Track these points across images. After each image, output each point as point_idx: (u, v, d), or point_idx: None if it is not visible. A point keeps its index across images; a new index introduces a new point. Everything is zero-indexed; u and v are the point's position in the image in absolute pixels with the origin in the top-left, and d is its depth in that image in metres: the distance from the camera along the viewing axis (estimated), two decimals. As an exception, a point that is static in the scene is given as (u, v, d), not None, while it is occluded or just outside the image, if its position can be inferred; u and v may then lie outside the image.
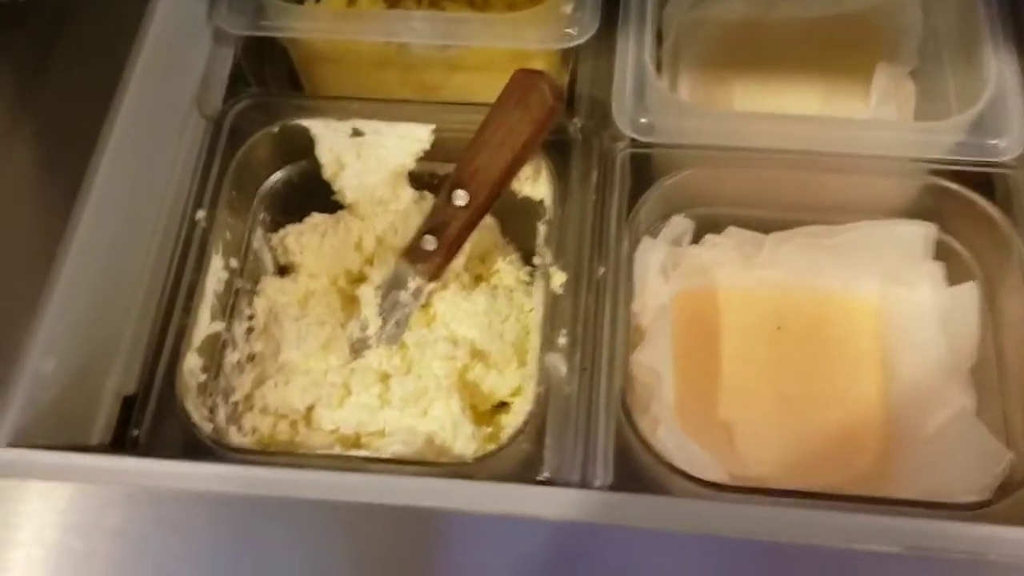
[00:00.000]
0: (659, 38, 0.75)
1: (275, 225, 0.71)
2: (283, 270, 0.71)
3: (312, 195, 0.71)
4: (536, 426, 0.56)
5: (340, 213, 0.71)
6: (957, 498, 0.56)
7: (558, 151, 0.66)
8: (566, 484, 0.54)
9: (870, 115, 0.75)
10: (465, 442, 0.62)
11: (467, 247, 0.67)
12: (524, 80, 0.62)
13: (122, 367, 0.60)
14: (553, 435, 0.55)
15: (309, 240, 0.70)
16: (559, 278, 0.61)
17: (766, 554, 0.46)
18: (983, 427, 0.59)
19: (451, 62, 0.72)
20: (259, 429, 0.65)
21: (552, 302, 0.60)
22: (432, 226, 0.64)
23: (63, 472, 0.50)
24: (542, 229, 0.67)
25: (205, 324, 0.62)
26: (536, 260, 0.68)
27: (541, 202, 0.67)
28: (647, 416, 0.60)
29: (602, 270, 0.62)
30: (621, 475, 0.55)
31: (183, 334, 0.60)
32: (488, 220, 0.69)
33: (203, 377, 0.61)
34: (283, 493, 0.49)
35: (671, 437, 0.58)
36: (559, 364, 0.58)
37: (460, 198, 0.63)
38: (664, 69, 0.77)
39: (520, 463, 0.55)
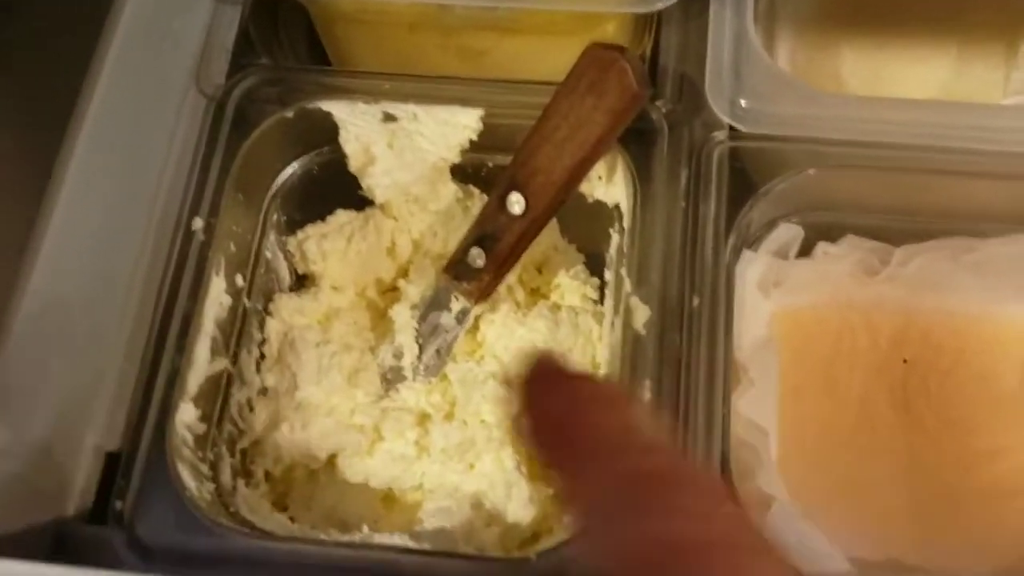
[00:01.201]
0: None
1: (291, 226, 0.59)
2: (301, 279, 0.59)
3: (336, 188, 0.58)
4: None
5: (370, 211, 0.59)
6: None
7: (638, 143, 0.52)
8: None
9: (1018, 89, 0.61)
10: (521, 507, 0.51)
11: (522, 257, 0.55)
12: (599, 58, 0.48)
13: (104, 417, 0.48)
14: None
15: (333, 245, 0.58)
16: (642, 313, 0.48)
17: None
18: None
19: (501, 24, 0.59)
20: (273, 475, 0.55)
21: (633, 345, 0.48)
22: (480, 237, 0.52)
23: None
24: (616, 238, 0.54)
25: (203, 364, 0.50)
26: (607, 275, 0.55)
27: (616, 207, 0.54)
28: (750, 487, 0.48)
29: (696, 301, 0.49)
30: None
31: (175, 379, 0.48)
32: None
33: (202, 428, 0.50)
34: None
35: (787, 522, 0.46)
36: (642, 427, 0.46)
37: (516, 204, 0.50)
38: (757, 26, 0.63)
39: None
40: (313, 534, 0.48)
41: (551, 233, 0.60)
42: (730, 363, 0.49)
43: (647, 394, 0.47)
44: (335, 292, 0.58)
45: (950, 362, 0.56)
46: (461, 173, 0.58)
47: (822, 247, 0.56)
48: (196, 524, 0.45)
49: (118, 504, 0.46)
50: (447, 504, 0.51)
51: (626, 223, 0.53)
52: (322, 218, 0.59)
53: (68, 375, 0.48)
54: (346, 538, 0.48)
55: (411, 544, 0.46)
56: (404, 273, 0.59)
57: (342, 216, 0.59)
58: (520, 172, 0.50)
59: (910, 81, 0.65)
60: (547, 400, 0.29)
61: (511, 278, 0.57)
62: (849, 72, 0.65)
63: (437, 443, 0.53)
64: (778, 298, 0.56)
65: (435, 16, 0.59)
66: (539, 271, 0.60)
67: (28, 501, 0.45)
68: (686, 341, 0.48)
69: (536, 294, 0.59)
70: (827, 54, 0.65)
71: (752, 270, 0.55)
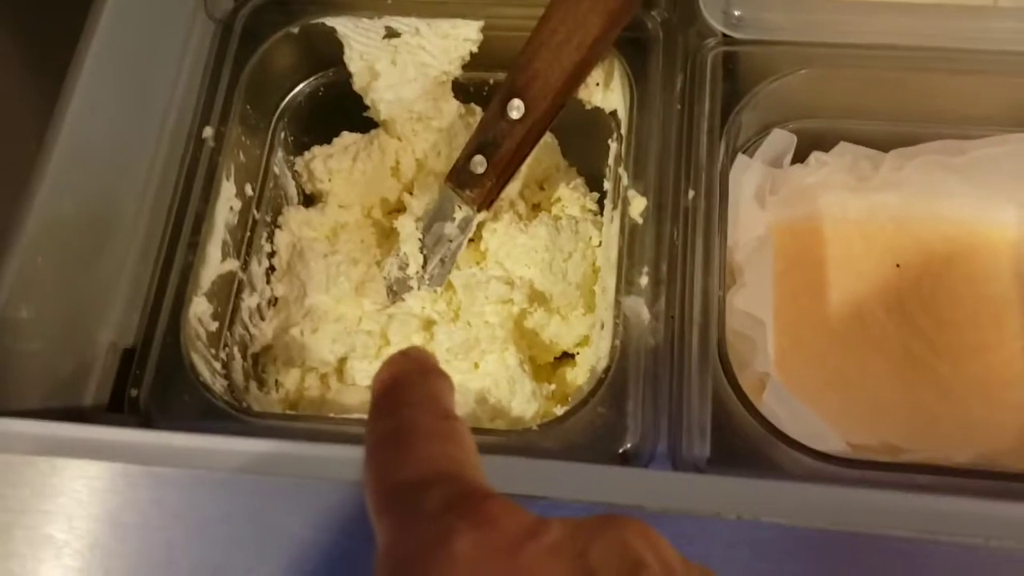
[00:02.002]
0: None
1: (299, 146, 0.61)
2: (309, 199, 0.61)
3: (341, 110, 0.60)
4: (613, 386, 0.46)
5: (374, 132, 0.61)
6: None
7: (634, 50, 0.54)
8: (652, 458, 0.44)
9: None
10: (524, 401, 0.53)
11: (524, 170, 0.56)
12: (595, -38, 0.50)
13: (119, 315, 0.50)
14: (635, 398, 0.45)
15: (338, 164, 0.60)
16: (639, 204, 0.50)
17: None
18: None
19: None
20: (284, 384, 0.56)
21: (630, 233, 0.49)
22: (481, 144, 0.53)
23: (39, 444, 0.41)
24: (614, 147, 0.56)
25: (215, 263, 0.52)
26: (606, 185, 0.57)
27: (614, 113, 0.56)
28: (746, 373, 0.49)
29: (692, 194, 0.51)
30: (719, 447, 0.45)
31: (188, 275, 0.50)
32: (547, 138, 0.59)
33: (214, 325, 0.52)
34: (303, 471, 0.40)
35: (780, 400, 0.47)
36: (640, 309, 0.47)
37: (515, 110, 0.52)
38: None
39: (595, 432, 0.45)
40: (322, 415, 0.50)
41: (552, 153, 0.61)
42: (724, 256, 0.50)
43: (644, 280, 0.48)
44: (342, 209, 0.60)
45: (941, 265, 0.57)
46: (464, 91, 0.60)
47: (815, 155, 0.58)
48: (210, 408, 0.47)
49: (133, 392, 0.48)
50: (459, 398, 0.52)
51: (623, 129, 0.54)
52: (328, 139, 0.61)
53: (83, 274, 0.49)
54: (356, 416, 0.50)
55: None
56: (409, 192, 0.60)
57: (347, 138, 0.61)
58: (519, 77, 0.52)
59: None
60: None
61: (513, 193, 0.59)
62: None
63: (442, 344, 0.54)
64: (774, 208, 0.58)
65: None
66: (541, 187, 0.61)
67: (47, 385, 0.46)
68: (682, 233, 0.50)
69: (538, 209, 0.60)
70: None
71: (748, 178, 0.56)
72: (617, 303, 0.48)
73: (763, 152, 0.57)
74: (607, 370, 0.46)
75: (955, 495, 0.37)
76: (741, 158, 0.56)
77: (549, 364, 0.57)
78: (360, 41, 0.57)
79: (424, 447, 0.28)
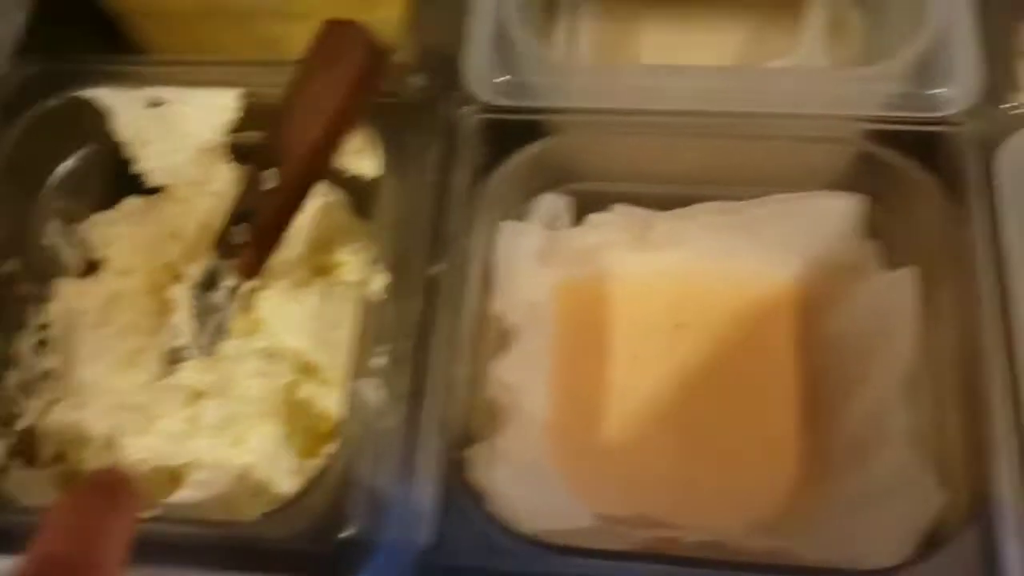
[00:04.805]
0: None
1: (81, 214, 0.60)
2: (92, 267, 0.60)
3: (123, 176, 0.59)
4: (340, 472, 0.45)
5: (157, 196, 0.60)
6: (875, 555, 0.44)
7: (392, 117, 0.53)
8: (373, 546, 0.43)
9: (800, 56, 0.62)
10: (286, 477, 0.52)
11: (303, 234, 0.56)
12: (332, 33, 0.49)
13: None
14: (360, 483, 0.44)
15: (118, 230, 0.59)
16: (379, 280, 0.49)
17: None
18: (916, 459, 0.47)
19: (286, 9, 0.60)
20: (61, 456, 0.55)
21: (367, 312, 0.48)
22: (241, 213, 0.52)
23: None
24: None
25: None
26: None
27: (371, 181, 0.55)
28: (506, 446, 0.49)
29: (440, 266, 0.50)
30: (449, 529, 0.44)
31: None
32: (337, 198, 0.58)
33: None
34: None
35: (512, 475, 0.46)
36: (369, 393, 0.46)
37: (269, 180, 0.51)
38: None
39: (317, 520, 0.44)
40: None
41: (338, 213, 0.60)
42: (475, 329, 0.50)
43: (383, 360, 0.47)
44: (121, 276, 0.58)
45: (722, 324, 0.56)
46: (239, 153, 0.58)
47: (592, 217, 0.57)
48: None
49: None
50: (212, 476, 0.52)
51: (379, 197, 0.53)
52: (113, 206, 0.60)
53: None
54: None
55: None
56: (191, 257, 0.59)
57: (131, 203, 0.60)
58: (271, 147, 0.51)
59: (709, 50, 0.66)
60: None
61: (292, 256, 0.58)
62: (650, 46, 0.66)
63: (207, 418, 0.53)
64: (553, 269, 0.57)
65: (220, 4, 0.60)
66: (328, 251, 0.60)
67: None
68: (426, 308, 0.49)
69: (322, 272, 0.59)
70: (630, 26, 0.66)
71: (525, 242, 0.56)
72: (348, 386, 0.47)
73: (539, 215, 0.56)
74: (331, 456, 0.45)
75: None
76: (514, 224, 0.55)
77: (328, 434, 0.56)
78: (125, 110, 0.56)
79: None
